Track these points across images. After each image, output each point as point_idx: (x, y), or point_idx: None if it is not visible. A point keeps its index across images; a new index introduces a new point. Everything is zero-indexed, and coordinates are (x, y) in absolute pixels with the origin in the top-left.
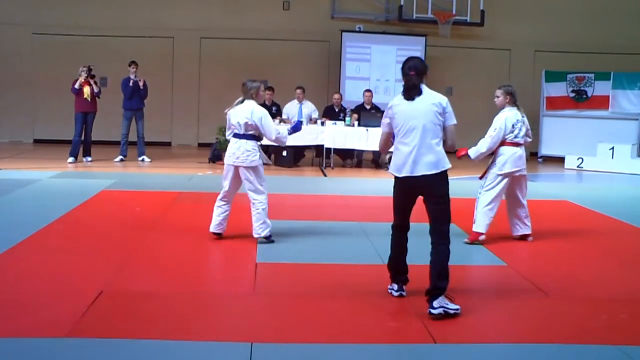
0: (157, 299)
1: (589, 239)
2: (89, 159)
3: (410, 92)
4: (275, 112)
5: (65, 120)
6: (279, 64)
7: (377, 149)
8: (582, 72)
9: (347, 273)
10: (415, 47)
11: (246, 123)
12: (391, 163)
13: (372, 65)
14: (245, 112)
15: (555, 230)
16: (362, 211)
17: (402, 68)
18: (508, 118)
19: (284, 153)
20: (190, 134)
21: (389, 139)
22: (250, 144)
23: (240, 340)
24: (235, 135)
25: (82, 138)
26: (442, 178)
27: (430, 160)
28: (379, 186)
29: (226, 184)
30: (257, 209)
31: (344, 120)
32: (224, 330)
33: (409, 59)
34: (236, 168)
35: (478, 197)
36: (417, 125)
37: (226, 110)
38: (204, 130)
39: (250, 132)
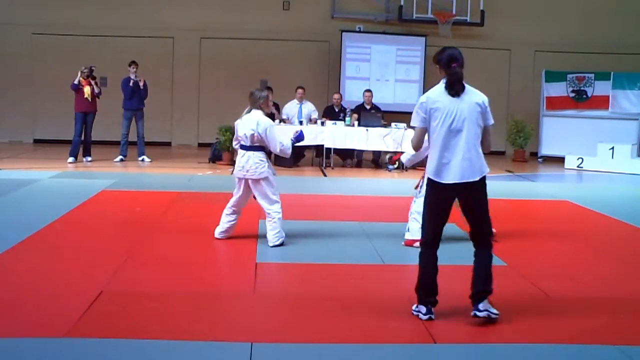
0: (157, 299)
1: (589, 239)
2: (89, 159)
3: (456, 87)
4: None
5: (65, 120)
6: (279, 64)
7: (377, 148)
8: (582, 72)
9: (347, 273)
10: (415, 47)
11: (252, 135)
12: (429, 167)
13: (372, 65)
14: (251, 124)
15: (555, 230)
16: (362, 211)
17: (440, 60)
18: None
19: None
20: (190, 134)
21: (424, 135)
22: (258, 156)
23: (240, 340)
24: (242, 147)
25: (82, 138)
26: (484, 183)
27: (476, 165)
28: (379, 186)
29: (237, 196)
30: (273, 219)
31: (344, 120)
32: (224, 330)
33: (446, 49)
34: (246, 180)
35: (412, 210)
36: (464, 125)
37: (236, 122)
38: (204, 130)
39: (257, 144)
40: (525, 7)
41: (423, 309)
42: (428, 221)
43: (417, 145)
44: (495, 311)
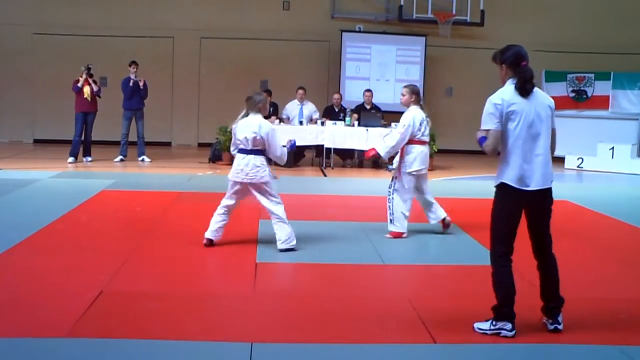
0: (157, 299)
1: (589, 239)
2: (89, 159)
3: (527, 86)
4: (272, 111)
5: (65, 120)
6: (279, 64)
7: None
8: (582, 72)
9: (347, 273)
10: (415, 47)
11: (254, 138)
12: (506, 173)
13: (372, 65)
14: (253, 127)
15: (555, 230)
16: (362, 211)
17: (505, 59)
18: (416, 116)
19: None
20: (190, 134)
21: (500, 138)
22: (259, 159)
23: (240, 340)
24: (241, 151)
25: (82, 138)
26: (551, 192)
27: (550, 170)
28: (379, 186)
29: (230, 199)
30: (280, 219)
31: (344, 120)
32: (224, 330)
33: (510, 47)
34: (245, 185)
35: (390, 197)
36: (541, 128)
37: (232, 126)
38: (204, 130)
39: (257, 147)
40: (525, 7)
41: (509, 325)
42: (502, 232)
43: (494, 149)
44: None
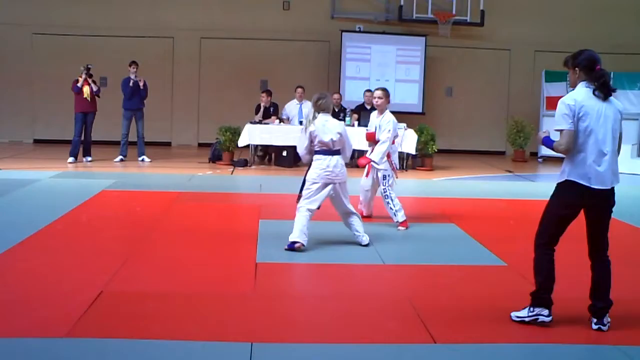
0: (157, 299)
1: None
2: (89, 159)
3: (605, 90)
4: (273, 111)
5: (65, 120)
6: (279, 64)
7: None
8: None
9: (347, 273)
10: (415, 47)
11: (339, 138)
12: (574, 169)
13: (372, 65)
14: (337, 128)
15: None
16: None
17: (579, 63)
18: (394, 120)
19: (284, 153)
20: (190, 134)
21: (573, 137)
22: (341, 159)
23: (240, 340)
24: (324, 152)
25: (82, 138)
26: (613, 192)
27: (617, 172)
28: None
29: (316, 202)
30: (357, 216)
31: (344, 120)
32: (224, 330)
33: (583, 51)
34: (329, 185)
35: (387, 194)
36: (611, 130)
37: (309, 130)
38: (204, 130)
39: (338, 148)
40: (525, 7)
41: (546, 311)
42: (554, 223)
43: (569, 148)
44: (609, 319)
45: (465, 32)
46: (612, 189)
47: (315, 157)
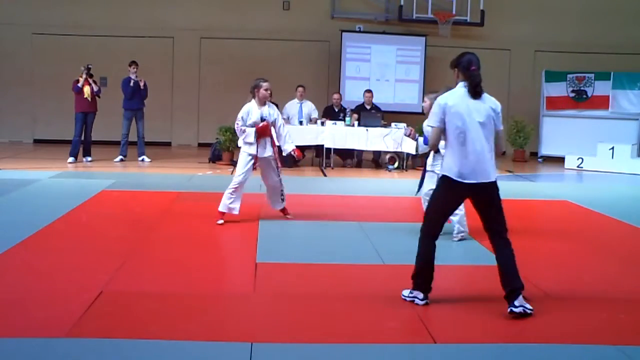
0: (157, 299)
1: (589, 239)
2: (89, 159)
3: (477, 89)
4: None
5: (65, 120)
6: (279, 64)
7: (377, 148)
8: (582, 72)
9: (347, 273)
10: (415, 47)
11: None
12: (447, 165)
13: (372, 65)
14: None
15: (555, 230)
16: (362, 211)
17: (459, 64)
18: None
19: (284, 153)
20: (190, 134)
21: (440, 135)
22: None
23: (240, 340)
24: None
25: (82, 138)
26: (496, 185)
27: (489, 167)
28: (379, 186)
29: None
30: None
31: (344, 120)
32: (224, 330)
33: (465, 54)
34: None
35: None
36: (480, 128)
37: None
38: (204, 130)
39: None
40: (525, 7)
41: (420, 294)
42: (435, 214)
43: (434, 145)
44: (530, 307)
45: (465, 32)
46: (491, 183)
47: None
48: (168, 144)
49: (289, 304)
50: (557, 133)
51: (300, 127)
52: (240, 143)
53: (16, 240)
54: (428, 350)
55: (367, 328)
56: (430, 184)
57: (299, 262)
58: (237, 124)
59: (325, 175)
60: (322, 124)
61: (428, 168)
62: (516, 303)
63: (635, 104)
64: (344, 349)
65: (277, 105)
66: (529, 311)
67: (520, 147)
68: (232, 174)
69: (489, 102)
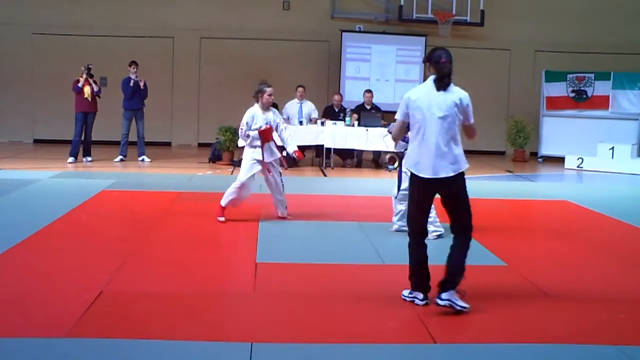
0: (157, 299)
1: (589, 239)
2: (89, 159)
3: (445, 80)
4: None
5: (65, 120)
6: (279, 64)
7: (377, 148)
8: (582, 72)
9: (347, 273)
10: (415, 47)
11: None
12: (410, 160)
13: (372, 65)
14: None
15: (555, 230)
16: (362, 211)
17: (430, 58)
18: None
19: (284, 153)
20: (190, 134)
21: (403, 128)
22: None
23: (240, 340)
24: None
25: (82, 138)
26: (461, 178)
27: (451, 161)
28: (379, 186)
29: None
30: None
31: (344, 120)
32: (224, 330)
33: (436, 48)
34: None
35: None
36: (441, 122)
37: None
38: (204, 130)
39: None
40: (525, 7)
41: (420, 295)
42: (413, 211)
43: (396, 137)
44: (462, 303)
45: (465, 32)
46: (453, 177)
47: None
48: (168, 144)
49: (289, 304)
50: (557, 133)
51: (300, 127)
52: (240, 143)
53: (16, 240)
54: (428, 350)
55: (367, 328)
56: (406, 182)
57: (299, 262)
58: (242, 129)
59: (325, 175)
60: (322, 124)
61: (403, 168)
62: (443, 296)
63: (635, 104)
64: (344, 349)
65: (277, 106)
66: (458, 307)
67: (520, 147)
68: (232, 174)
69: (455, 95)
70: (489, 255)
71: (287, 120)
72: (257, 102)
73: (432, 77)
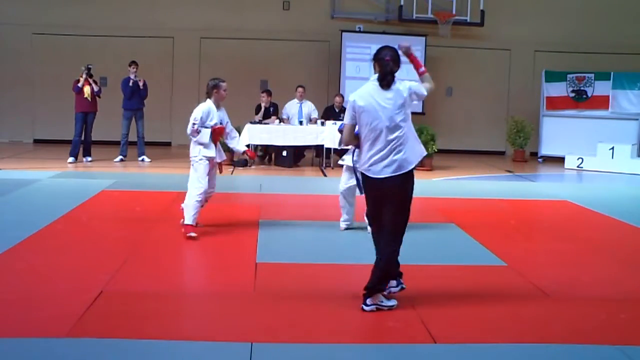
0: (156, 299)
1: (589, 239)
2: (89, 159)
3: (387, 78)
4: (273, 111)
5: (65, 120)
6: (279, 64)
7: None
8: (582, 72)
9: (347, 273)
10: (415, 47)
11: None
12: (361, 161)
13: (372, 65)
14: None
15: (555, 230)
16: (362, 211)
17: (376, 58)
18: None
19: (284, 153)
20: None
21: (352, 131)
22: None
23: (240, 340)
24: None
25: (82, 138)
26: (410, 178)
27: (399, 160)
28: None
29: None
30: None
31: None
32: (224, 330)
33: (383, 48)
34: None
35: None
36: (388, 121)
37: None
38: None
39: None
40: (525, 7)
41: (394, 282)
42: (370, 213)
43: (347, 141)
44: (389, 302)
45: (465, 32)
46: (401, 176)
47: None
48: (168, 144)
49: (289, 304)
50: (557, 133)
51: (300, 127)
52: (192, 151)
53: (16, 240)
54: (428, 350)
55: (367, 328)
56: (350, 179)
57: (299, 262)
58: (194, 124)
59: (325, 175)
60: (322, 124)
61: (349, 164)
62: (368, 302)
63: (635, 104)
64: (344, 349)
65: (277, 106)
66: (385, 308)
67: (520, 147)
68: (232, 174)
69: (399, 89)
70: (489, 255)
71: (287, 120)
72: (211, 97)
73: (375, 77)
